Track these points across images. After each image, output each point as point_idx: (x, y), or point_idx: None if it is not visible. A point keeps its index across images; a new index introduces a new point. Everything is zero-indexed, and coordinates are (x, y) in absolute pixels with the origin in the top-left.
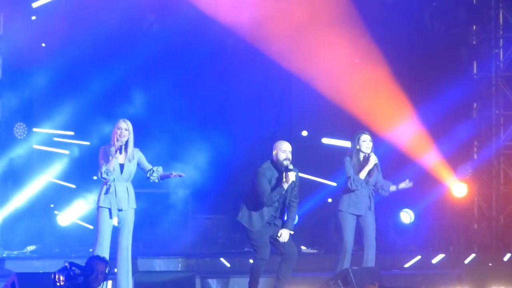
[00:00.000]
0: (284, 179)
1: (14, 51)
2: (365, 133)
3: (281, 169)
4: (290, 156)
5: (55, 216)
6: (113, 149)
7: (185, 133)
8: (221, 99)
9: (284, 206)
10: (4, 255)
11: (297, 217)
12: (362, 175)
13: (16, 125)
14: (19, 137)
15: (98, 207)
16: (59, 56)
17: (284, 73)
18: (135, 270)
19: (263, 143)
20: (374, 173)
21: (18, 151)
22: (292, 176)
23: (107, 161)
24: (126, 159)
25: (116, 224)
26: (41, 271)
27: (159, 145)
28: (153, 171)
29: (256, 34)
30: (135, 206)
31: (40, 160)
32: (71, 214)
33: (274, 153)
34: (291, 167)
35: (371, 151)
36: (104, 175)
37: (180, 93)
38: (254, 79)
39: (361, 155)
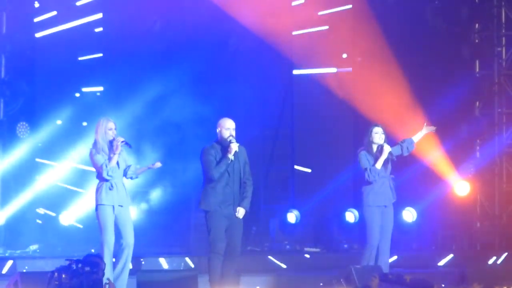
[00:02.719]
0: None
1: (17, 50)
2: (377, 125)
3: (225, 147)
4: (234, 133)
5: (57, 216)
6: (114, 148)
7: (187, 130)
8: (223, 97)
9: (240, 186)
10: (7, 254)
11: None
12: (379, 165)
13: (18, 125)
14: (21, 136)
15: (100, 206)
16: (62, 55)
17: (287, 71)
18: (137, 269)
19: (265, 141)
20: (389, 163)
21: (21, 151)
22: (234, 146)
23: (109, 159)
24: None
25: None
26: (43, 270)
27: (161, 142)
28: (129, 167)
29: (259, 31)
30: (131, 202)
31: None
32: (73, 214)
33: (218, 130)
34: (233, 141)
35: (384, 142)
36: (110, 173)
37: (181, 91)
38: (256, 77)
39: (374, 147)
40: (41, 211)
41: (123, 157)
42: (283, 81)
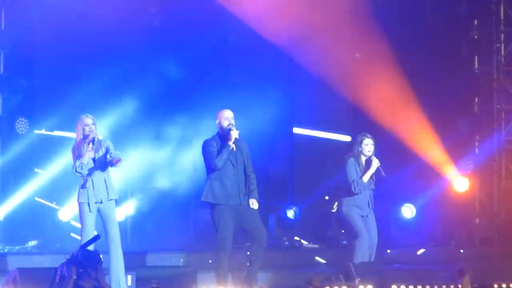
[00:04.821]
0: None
1: (16, 46)
2: (367, 137)
3: (227, 137)
4: (233, 122)
5: (56, 211)
6: (85, 144)
7: (185, 128)
8: (222, 95)
9: (245, 178)
10: (5, 250)
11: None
12: (366, 178)
13: (17, 121)
14: (20, 132)
15: (78, 203)
16: (61, 51)
17: (286, 69)
18: (136, 265)
19: (263, 139)
20: (375, 176)
21: (20, 146)
22: (234, 133)
23: (80, 156)
24: (96, 152)
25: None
26: (42, 266)
27: (158, 140)
28: (111, 153)
29: (259, 27)
30: (116, 197)
31: (41, 155)
32: (72, 210)
33: (217, 122)
34: (233, 128)
35: (373, 154)
36: (78, 169)
37: (180, 89)
38: (255, 74)
39: (363, 158)
40: (40, 200)
41: (104, 153)
42: (283, 77)
